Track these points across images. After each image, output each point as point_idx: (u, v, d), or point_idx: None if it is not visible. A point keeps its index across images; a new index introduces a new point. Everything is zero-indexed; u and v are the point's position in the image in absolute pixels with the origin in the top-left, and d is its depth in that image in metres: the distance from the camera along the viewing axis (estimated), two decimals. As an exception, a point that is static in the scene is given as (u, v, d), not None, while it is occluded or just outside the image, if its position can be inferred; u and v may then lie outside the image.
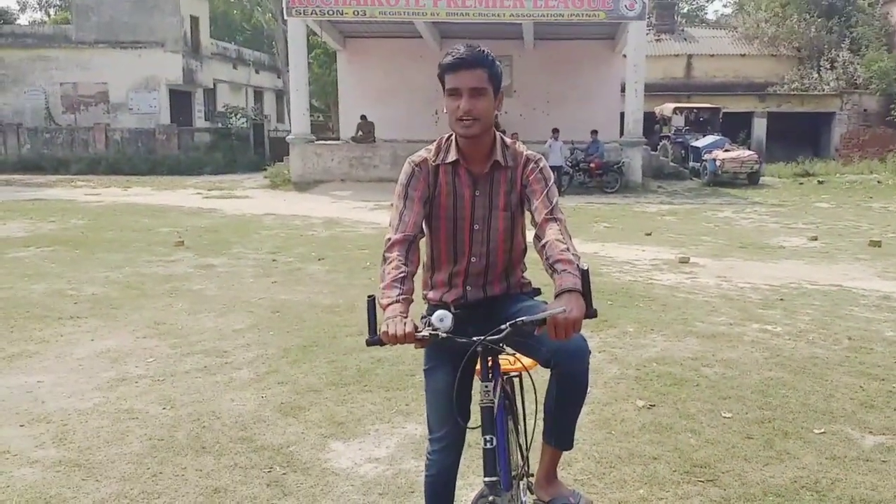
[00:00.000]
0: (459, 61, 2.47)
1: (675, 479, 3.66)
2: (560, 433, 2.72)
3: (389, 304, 2.35)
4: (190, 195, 20.55)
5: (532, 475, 2.90)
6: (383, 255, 2.53)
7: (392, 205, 2.64)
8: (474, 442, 2.90)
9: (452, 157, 2.61)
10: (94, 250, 10.70)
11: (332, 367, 5.37)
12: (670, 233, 13.16)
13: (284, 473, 3.77)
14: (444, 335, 2.31)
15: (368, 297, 2.40)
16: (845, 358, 5.59)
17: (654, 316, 6.87)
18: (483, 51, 2.51)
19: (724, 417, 4.43)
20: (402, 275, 2.44)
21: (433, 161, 2.64)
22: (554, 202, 2.56)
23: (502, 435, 2.53)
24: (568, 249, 2.41)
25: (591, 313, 2.30)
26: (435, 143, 2.68)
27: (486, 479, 2.37)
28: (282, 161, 25.17)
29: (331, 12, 21.51)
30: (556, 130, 20.91)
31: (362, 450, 4.05)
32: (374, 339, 2.33)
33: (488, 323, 2.44)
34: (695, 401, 4.70)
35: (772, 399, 4.72)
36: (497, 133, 2.64)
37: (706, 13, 54.32)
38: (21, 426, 4.38)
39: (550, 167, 2.75)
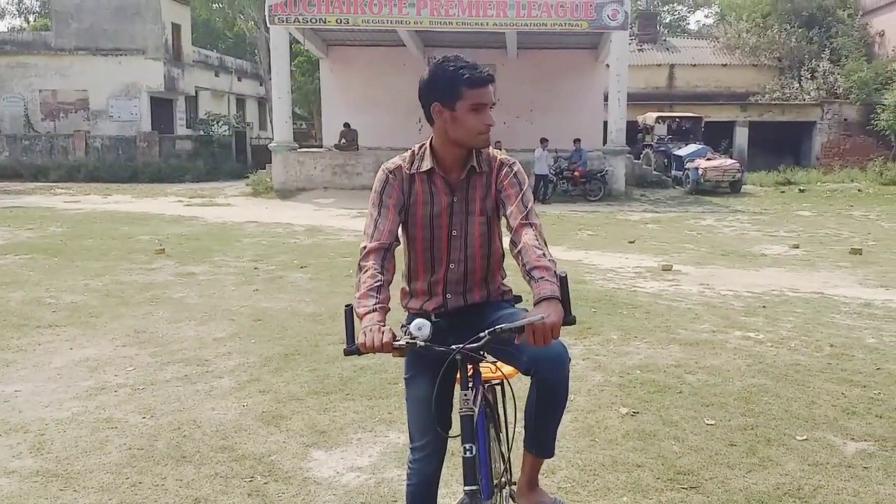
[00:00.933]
0: (488, 78, 2.50)
1: (658, 487, 3.66)
2: (541, 441, 2.71)
3: (366, 314, 2.34)
4: (171, 203, 20.40)
5: (514, 483, 2.88)
6: (358, 264, 2.52)
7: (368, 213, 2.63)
8: (457, 450, 2.87)
9: (427, 165, 2.60)
10: (74, 258, 10.59)
11: (314, 376, 5.33)
12: (653, 241, 13.22)
13: (266, 483, 3.73)
14: (423, 343, 2.29)
15: (346, 306, 2.38)
16: (827, 365, 5.61)
17: (638, 323, 6.88)
18: None
19: (708, 424, 4.43)
20: (378, 283, 2.43)
21: (408, 170, 2.63)
22: (529, 207, 2.56)
23: (483, 443, 2.51)
24: (544, 255, 2.40)
25: (569, 320, 2.29)
26: (409, 152, 2.67)
27: (467, 487, 2.35)
28: (264, 169, 25.05)
29: (314, 20, 21.47)
30: (544, 140, 20.83)
31: (344, 459, 4.02)
32: (353, 349, 2.32)
33: (469, 331, 2.43)
34: (678, 408, 4.70)
35: (754, 406, 4.74)
36: None
37: (688, 23, 54.63)
38: (-4, 436, 4.32)
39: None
